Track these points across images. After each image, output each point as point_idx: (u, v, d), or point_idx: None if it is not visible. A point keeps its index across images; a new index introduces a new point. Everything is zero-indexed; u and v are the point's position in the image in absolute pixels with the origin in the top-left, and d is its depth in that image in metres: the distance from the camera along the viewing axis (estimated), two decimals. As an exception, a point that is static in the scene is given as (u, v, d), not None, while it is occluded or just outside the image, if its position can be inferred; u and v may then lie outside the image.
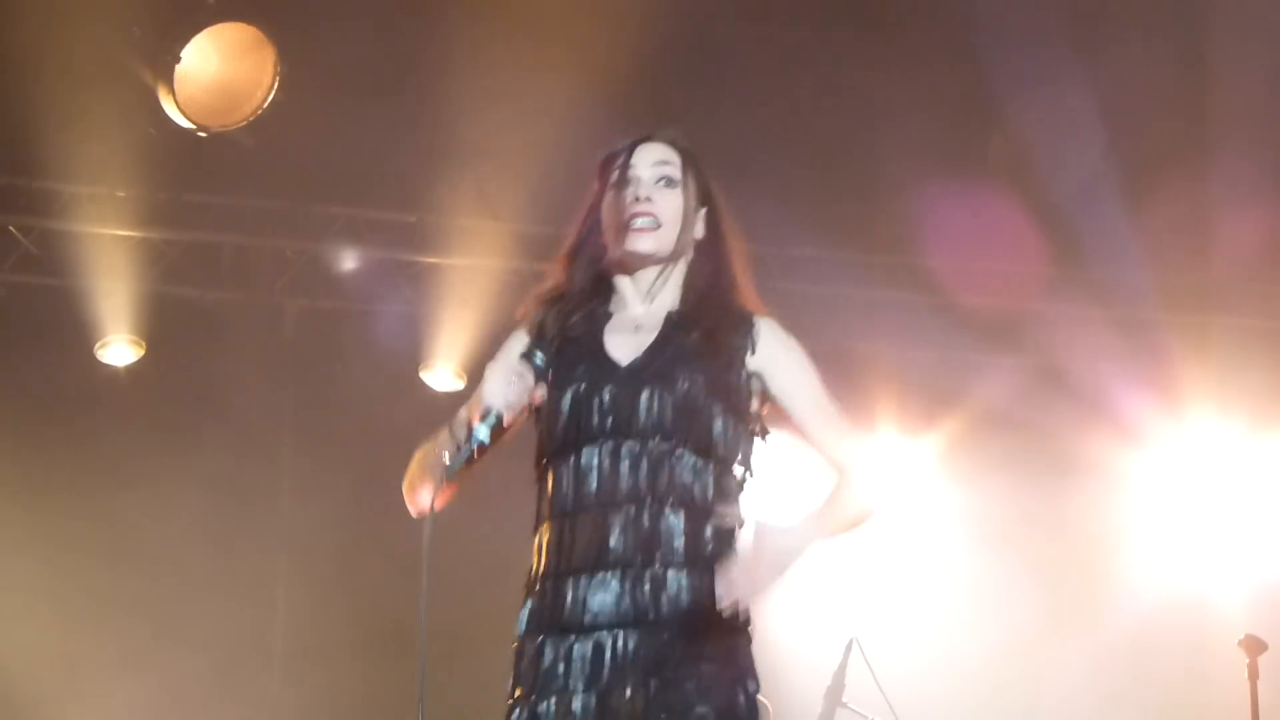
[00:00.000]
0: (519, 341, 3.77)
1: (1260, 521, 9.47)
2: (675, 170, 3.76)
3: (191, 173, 8.16)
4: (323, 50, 7.41)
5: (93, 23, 7.17)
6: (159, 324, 8.55)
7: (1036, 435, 8.87)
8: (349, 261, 8.66)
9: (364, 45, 7.42)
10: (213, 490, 8.58)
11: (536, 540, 3.65)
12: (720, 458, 3.62)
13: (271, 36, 7.27)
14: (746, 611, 3.49)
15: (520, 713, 3.54)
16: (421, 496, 3.68)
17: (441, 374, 8.84)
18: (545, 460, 3.67)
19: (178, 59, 7.11)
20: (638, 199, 3.69)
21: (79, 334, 8.44)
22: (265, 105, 7.38)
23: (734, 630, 3.53)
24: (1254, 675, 7.28)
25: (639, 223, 3.68)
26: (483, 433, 3.52)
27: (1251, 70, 7.57)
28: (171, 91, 7.16)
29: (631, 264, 3.73)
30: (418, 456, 3.75)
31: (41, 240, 8.36)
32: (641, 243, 3.69)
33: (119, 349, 8.55)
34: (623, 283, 3.77)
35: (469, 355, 8.68)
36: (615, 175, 3.75)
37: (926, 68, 7.50)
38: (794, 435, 3.74)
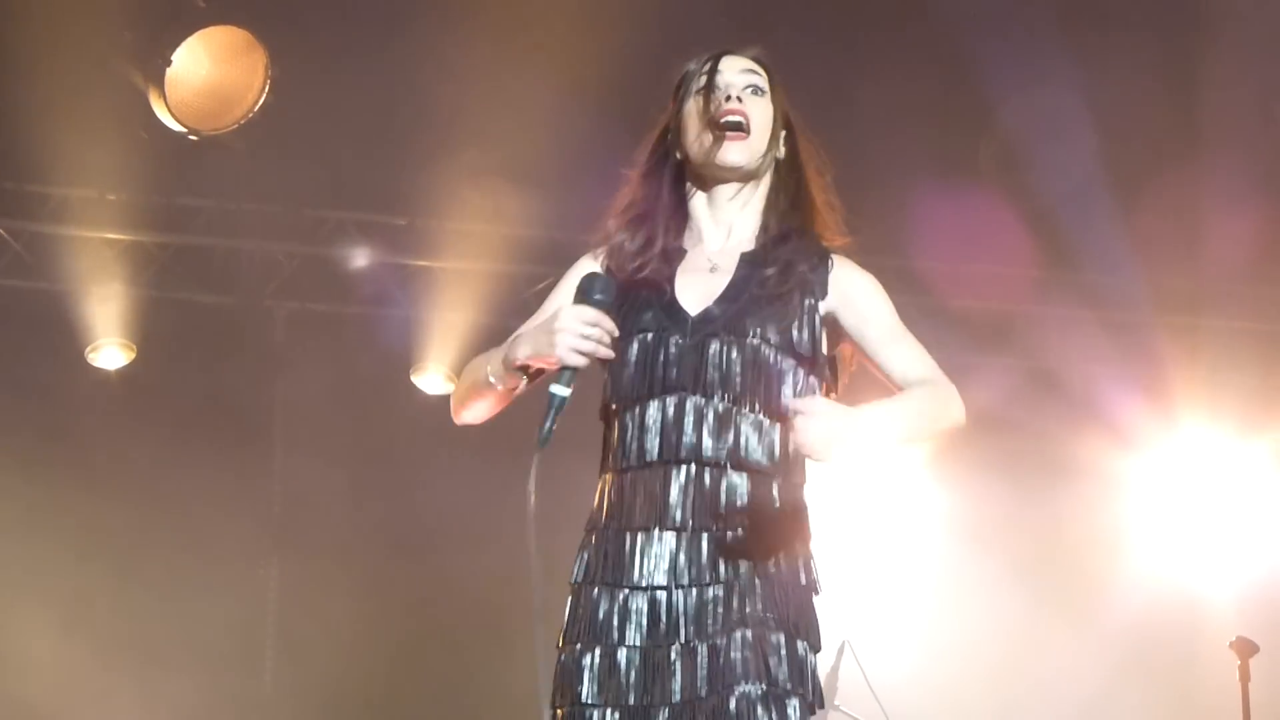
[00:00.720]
0: (588, 268, 3.66)
1: (1250, 523, 9.49)
2: (763, 81, 3.65)
3: (182, 176, 8.15)
4: (314, 53, 7.40)
5: (84, 26, 7.16)
6: (150, 327, 8.54)
7: (1028, 437, 8.88)
8: (358, 259, 8.65)
9: (355, 48, 7.41)
10: (204, 494, 8.57)
11: (599, 488, 3.56)
12: (788, 419, 3.43)
13: (263, 39, 7.27)
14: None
15: (567, 660, 3.45)
16: (470, 415, 3.64)
17: (433, 377, 8.83)
18: (610, 409, 3.56)
19: (169, 62, 7.10)
20: (729, 98, 3.58)
21: (70, 337, 8.43)
22: (256, 108, 7.37)
23: (797, 591, 3.44)
24: (1245, 677, 7.31)
25: (730, 120, 3.56)
26: (565, 393, 3.35)
27: (1241, 73, 7.58)
28: (162, 95, 7.15)
29: (718, 176, 3.62)
30: (469, 370, 3.65)
31: (32, 244, 8.35)
32: (732, 153, 3.57)
33: (110, 352, 8.54)
34: (699, 209, 3.67)
35: (460, 358, 8.67)
36: (702, 80, 3.63)
37: (915, 70, 7.50)
38: (871, 366, 3.58)
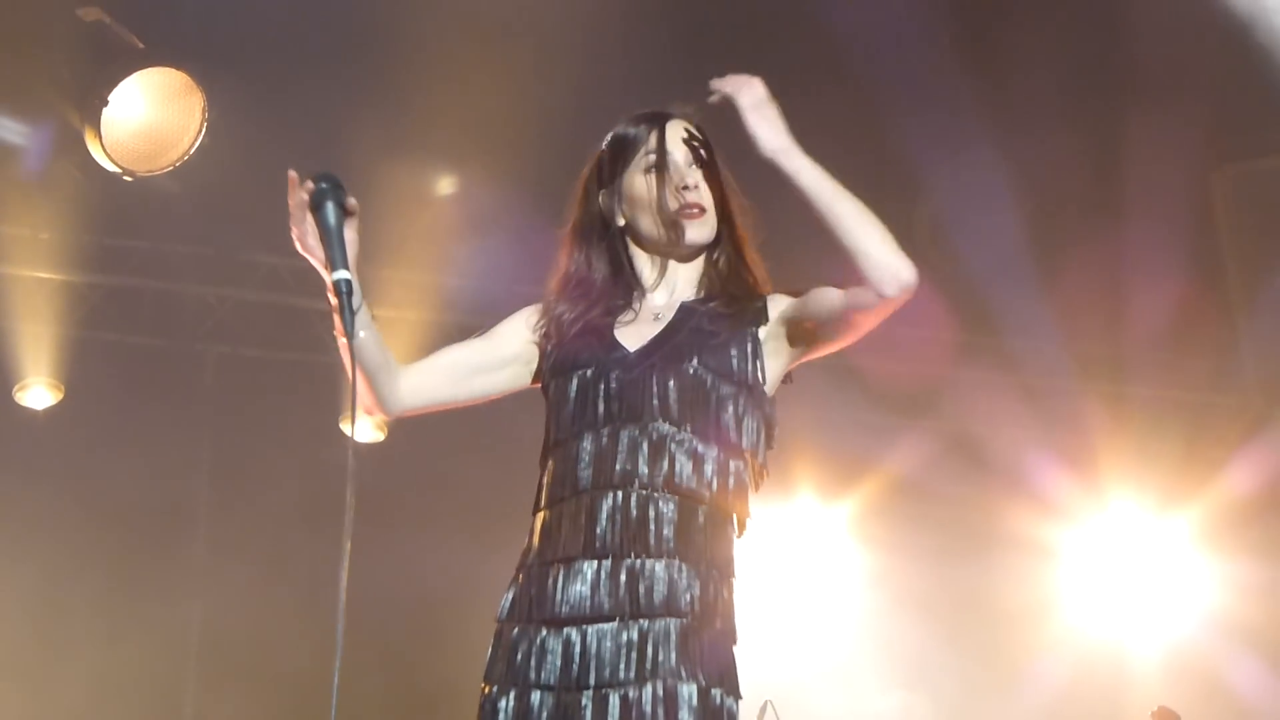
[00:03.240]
0: (530, 314, 3.74)
1: (1173, 593, 9.54)
2: (705, 152, 3.71)
3: (115, 217, 8.12)
4: (252, 97, 7.41)
5: (20, 64, 7.14)
6: (79, 368, 8.49)
7: (952, 502, 8.92)
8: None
9: (293, 93, 7.42)
10: (128, 537, 8.52)
11: (531, 527, 3.55)
12: (729, 447, 3.48)
13: (201, 82, 7.27)
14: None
15: (485, 701, 3.44)
16: (370, 398, 3.69)
17: (361, 425, 8.82)
18: (550, 447, 3.58)
19: (105, 102, 7.09)
20: (686, 187, 3.64)
21: (-3, 375, 8.39)
22: (193, 151, 7.36)
23: (715, 633, 3.41)
24: (1167, 746, 7.35)
25: (692, 213, 3.63)
26: (341, 275, 3.39)
27: (1164, 144, 7.68)
28: (98, 135, 7.13)
29: (676, 254, 3.68)
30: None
31: (-38, 280, 8.31)
32: (698, 233, 3.64)
33: (37, 392, 8.49)
34: (644, 270, 3.72)
35: (390, 407, 8.66)
36: (650, 158, 3.67)
37: (839, 136, 7.57)
38: (821, 319, 3.54)
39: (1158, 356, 9.08)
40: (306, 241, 3.46)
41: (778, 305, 3.62)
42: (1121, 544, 9.48)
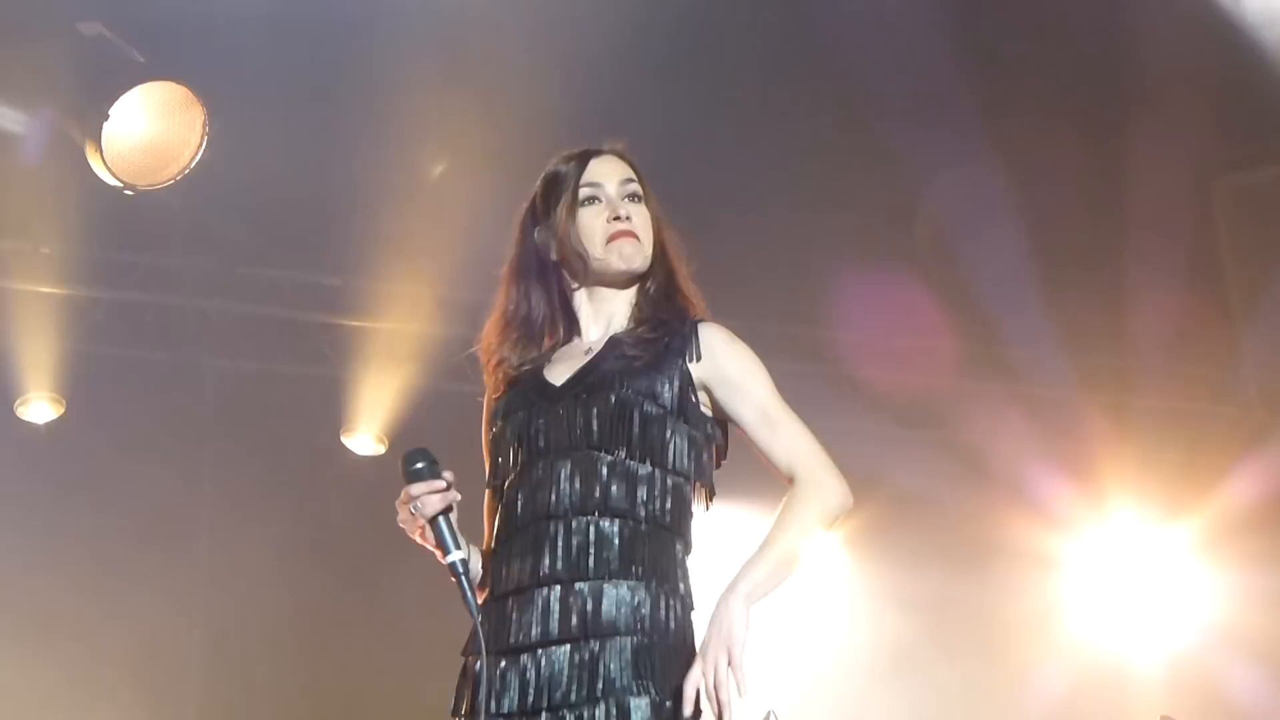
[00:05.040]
0: (489, 403, 3.78)
1: (1176, 602, 9.54)
2: (637, 185, 3.79)
3: (117, 231, 8.13)
4: (252, 111, 7.41)
5: (21, 78, 7.15)
6: (80, 382, 8.49)
7: (953, 513, 8.92)
8: None
9: (293, 106, 7.43)
10: (130, 551, 8.51)
11: (486, 567, 3.62)
12: (663, 466, 3.54)
13: (201, 96, 7.27)
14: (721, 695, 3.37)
15: None
16: None
17: (362, 439, 8.82)
18: (493, 492, 3.68)
19: (106, 117, 7.09)
20: (618, 218, 3.71)
21: (-1, 390, 8.39)
22: (193, 165, 7.36)
23: (668, 648, 3.44)
24: (1169, 754, 7.34)
25: (626, 242, 3.69)
26: (456, 556, 3.48)
27: (1168, 154, 7.68)
28: (99, 149, 7.13)
29: (610, 282, 3.74)
30: None
31: (-37, 295, 8.31)
32: (632, 258, 3.70)
33: (39, 407, 8.49)
34: (581, 305, 3.78)
35: (391, 420, 8.67)
36: (581, 191, 3.74)
37: (844, 155, 7.60)
38: (750, 446, 3.65)
39: (1159, 367, 9.09)
40: (417, 533, 3.55)
41: (714, 353, 3.65)
42: (1123, 554, 9.48)
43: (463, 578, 3.44)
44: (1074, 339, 8.73)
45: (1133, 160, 7.77)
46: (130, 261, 8.45)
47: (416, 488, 3.47)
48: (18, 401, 8.44)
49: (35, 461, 8.53)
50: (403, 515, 3.51)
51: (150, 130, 7.27)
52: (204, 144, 7.32)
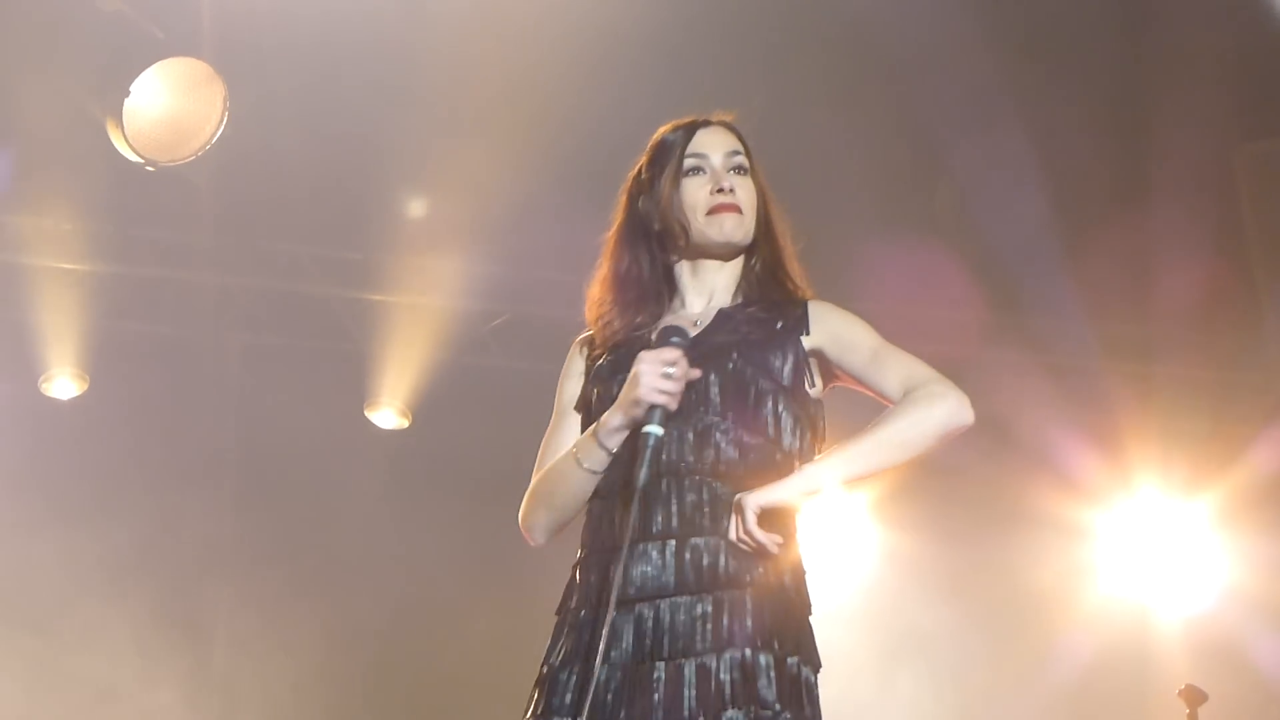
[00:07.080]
0: (576, 361, 3.80)
1: (1199, 572, 9.53)
2: (744, 158, 3.79)
3: (138, 207, 8.13)
4: (273, 85, 7.41)
5: (42, 55, 7.15)
6: (103, 358, 8.52)
7: (977, 483, 8.90)
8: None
9: (314, 82, 7.43)
10: (154, 526, 8.55)
11: (584, 519, 3.62)
12: (771, 439, 3.53)
13: (222, 72, 7.27)
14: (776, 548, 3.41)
15: (545, 675, 3.49)
16: (556, 518, 3.66)
17: (385, 413, 8.83)
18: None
19: (127, 93, 7.09)
20: (721, 190, 3.71)
21: (23, 367, 8.40)
22: (214, 141, 7.36)
23: (787, 606, 3.44)
24: (1194, 725, 7.33)
25: (728, 215, 3.69)
26: (659, 431, 3.43)
27: (1191, 122, 7.65)
28: (120, 125, 7.13)
29: (712, 253, 3.74)
30: (548, 479, 3.68)
31: (-14, 272, 8.33)
32: (735, 231, 3.69)
33: (63, 383, 8.51)
34: (683, 276, 3.79)
35: (413, 394, 8.69)
36: (686, 162, 3.75)
37: (864, 117, 7.57)
38: (869, 393, 3.62)
39: (1183, 336, 9.06)
40: (669, 399, 3.49)
41: (823, 321, 3.66)
42: (1146, 522, 9.47)
43: (648, 450, 3.40)
44: (1098, 308, 8.71)
45: (1156, 129, 7.74)
46: (153, 237, 8.46)
47: (677, 357, 3.46)
48: (42, 378, 8.46)
49: (60, 438, 8.56)
50: (659, 383, 3.42)
51: (171, 106, 7.26)
52: (225, 119, 7.32)
